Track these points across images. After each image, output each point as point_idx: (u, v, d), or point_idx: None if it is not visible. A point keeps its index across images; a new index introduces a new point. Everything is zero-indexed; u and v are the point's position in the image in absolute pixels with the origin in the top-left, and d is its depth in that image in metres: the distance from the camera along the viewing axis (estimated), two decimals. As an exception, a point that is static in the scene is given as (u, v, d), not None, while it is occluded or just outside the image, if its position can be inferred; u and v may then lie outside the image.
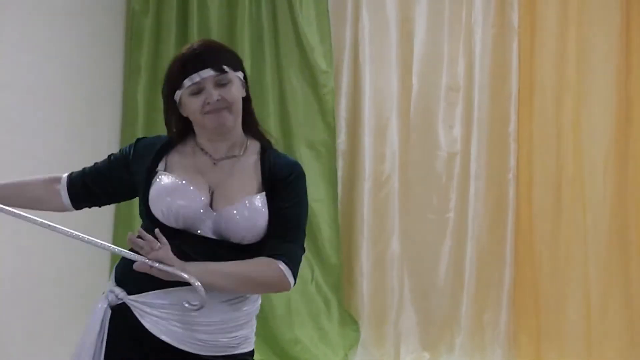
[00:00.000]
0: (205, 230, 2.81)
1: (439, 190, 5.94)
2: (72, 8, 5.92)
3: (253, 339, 2.93)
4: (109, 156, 3.05)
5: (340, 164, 5.92)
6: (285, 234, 2.82)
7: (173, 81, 2.86)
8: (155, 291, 2.78)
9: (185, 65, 2.83)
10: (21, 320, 5.48)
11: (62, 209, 3.08)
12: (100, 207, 3.14)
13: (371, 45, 5.95)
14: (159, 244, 2.67)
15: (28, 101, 5.54)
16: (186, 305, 2.70)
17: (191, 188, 2.84)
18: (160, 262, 2.65)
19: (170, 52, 6.20)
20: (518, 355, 5.96)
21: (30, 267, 5.63)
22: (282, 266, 2.74)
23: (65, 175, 3.06)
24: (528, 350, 5.96)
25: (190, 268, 2.65)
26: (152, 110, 6.27)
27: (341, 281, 5.86)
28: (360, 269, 5.85)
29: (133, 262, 2.75)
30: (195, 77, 2.80)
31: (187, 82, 2.81)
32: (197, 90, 2.82)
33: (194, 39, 6.13)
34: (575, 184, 5.94)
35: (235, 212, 2.79)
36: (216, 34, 6.20)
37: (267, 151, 2.93)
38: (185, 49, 2.91)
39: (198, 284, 2.62)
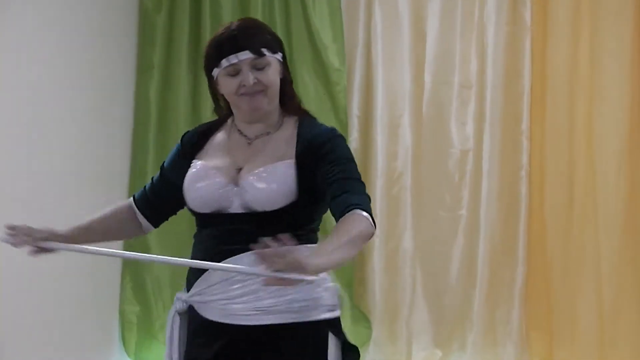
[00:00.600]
0: (235, 207, 2.78)
1: (452, 188, 5.92)
2: (84, 6, 5.98)
3: (328, 303, 2.80)
4: (161, 165, 3.05)
5: (353, 161, 5.91)
6: (346, 189, 2.72)
7: (211, 60, 2.85)
8: (199, 280, 2.77)
9: (223, 45, 2.82)
10: (28, 317, 5.55)
11: (144, 233, 3.11)
12: (176, 214, 3.13)
13: (384, 43, 5.93)
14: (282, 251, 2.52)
15: (40, 99, 5.62)
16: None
17: (210, 169, 2.84)
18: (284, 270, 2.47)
19: (182, 50, 6.33)
20: (530, 352, 5.94)
21: (37, 266, 5.64)
22: (364, 213, 2.61)
23: (130, 200, 3.07)
24: (540, 348, 5.94)
25: (316, 261, 2.44)
26: (164, 109, 6.36)
27: (353, 278, 5.87)
28: (372, 266, 5.85)
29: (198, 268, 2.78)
30: (233, 59, 2.79)
31: (224, 63, 2.80)
32: (234, 72, 2.81)
33: (207, 37, 6.17)
34: (588, 182, 5.89)
35: (252, 177, 2.77)
36: None
37: (304, 123, 2.88)
38: (224, 27, 2.89)
39: (332, 285, 2.59)
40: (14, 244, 2.89)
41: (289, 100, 2.93)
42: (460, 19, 6.02)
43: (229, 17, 6.15)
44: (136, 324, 6.35)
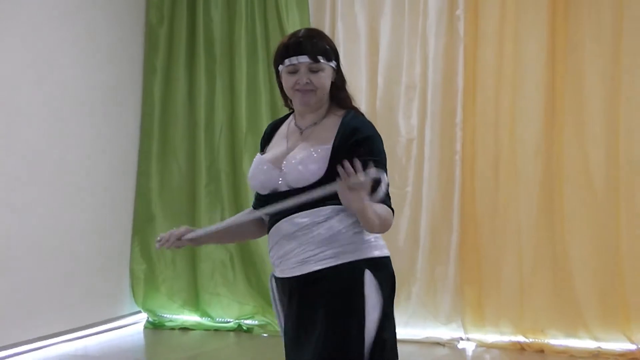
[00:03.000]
0: (283, 187, 2.86)
1: (400, 169, 6.06)
2: (102, 22, 6.32)
3: (370, 245, 2.84)
4: None
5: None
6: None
7: (278, 58, 2.92)
8: (274, 249, 2.88)
9: (289, 48, 2.89)
10: (56, 276, 6.04)
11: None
12: None
13: (345, 51, 6.08)
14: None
15: (68, 95, 6.02)
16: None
17: (264, 158, 2.93)
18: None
19: (180, 56, 6.55)
20: (463, 302, 6.14)
21: (62, 231, 6.06)
22: (390, 212, 2.76)
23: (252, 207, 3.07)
24: (471, 298, 6.14)
25: (365, 203, 2.59)
26: (166, 103, 6.62)
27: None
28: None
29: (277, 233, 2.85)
30: (294, 60, 2.87)
31: (287, 62, 2.88)
32: (293, 71, 2.87)
33: (201, 46, 6.50)
34: (510, 164, 6.07)
35: (290, 161, 2.85)
36: (218, 41, 6.47)
37: (348, 114, 2.91)
38: (292, 33, 2.97)
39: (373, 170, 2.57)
40: (166, 247, 3.05)
41: (340, 99, 2.96)
42: (407, 32, 6.23)
43: (218, 30, 6.48)
44: (143, 279, 6.69)
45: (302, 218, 2.83)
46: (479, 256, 6.18)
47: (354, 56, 6.20)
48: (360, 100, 6.03)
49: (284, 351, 2.91)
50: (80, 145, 6.15)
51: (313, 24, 6.30)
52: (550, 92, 6.02)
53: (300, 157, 2.84)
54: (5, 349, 5.65)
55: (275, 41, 6.30)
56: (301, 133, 2.94)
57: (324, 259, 2.81)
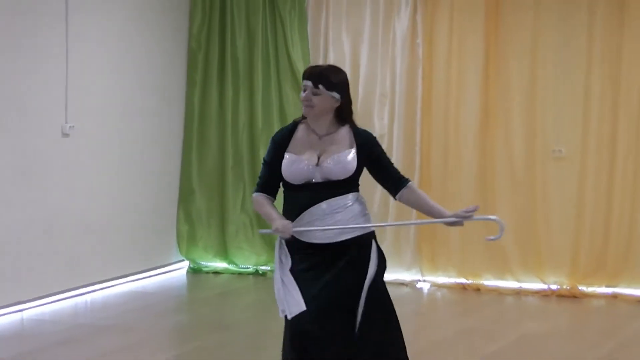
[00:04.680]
0: (317, 178, 3.25)
1: None
2: (157, 47, 7.09)
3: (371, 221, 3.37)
4: (265, 160, 3.43)
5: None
6: (395, 171, 3.34)
7: (302, 81, 3.35)
8: (300, 218, 3.28)
9: (305, 73, 3.35)
10: (120, 238, 6.67)
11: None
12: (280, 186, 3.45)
13: None
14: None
15: (131, 102, 6.84)
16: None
17: (300, 158, 3.26)
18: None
19: (214, 74, 7.20)
20: (420, 254, 6.92)
21: (126, 202, 6.75)
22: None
23: (255, 194, 3.47)
24: (426, 251, 6.94)
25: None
26: (202, 108, 7.31)
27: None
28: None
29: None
30: (303, 82, 3.33)
31: (303, 82, 3.34)
32: (304, 89, 3.31)
33: (229, 66, 7.22)
34: (456, 155, 6.85)
35: (330, 161, 3.24)
36: (242, 62, 7.21)
37: (354, 128, 3.36)
38: (314, 65, 3.57)
39: (500, 220, 3.07)
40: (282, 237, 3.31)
41: (344, 117, 3.34)
42: (380, 55, 6.98)
43: (242, 54, 7.15)
44: (186, 237, 7.43)
45: (336, 202, 3.26)
46: (433, 223, 6.71)
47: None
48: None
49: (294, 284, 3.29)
50: (140, 139, 6.85)
51: (311, 50, 7.14)
52: (484, 101, 6.83)
53: (338, 157, 3.25)
54: (86, 286, 6.36)
55: (284, 63, 7.19)
56: (320, 138, 3.31)
57: (350, 232, 3.29)
